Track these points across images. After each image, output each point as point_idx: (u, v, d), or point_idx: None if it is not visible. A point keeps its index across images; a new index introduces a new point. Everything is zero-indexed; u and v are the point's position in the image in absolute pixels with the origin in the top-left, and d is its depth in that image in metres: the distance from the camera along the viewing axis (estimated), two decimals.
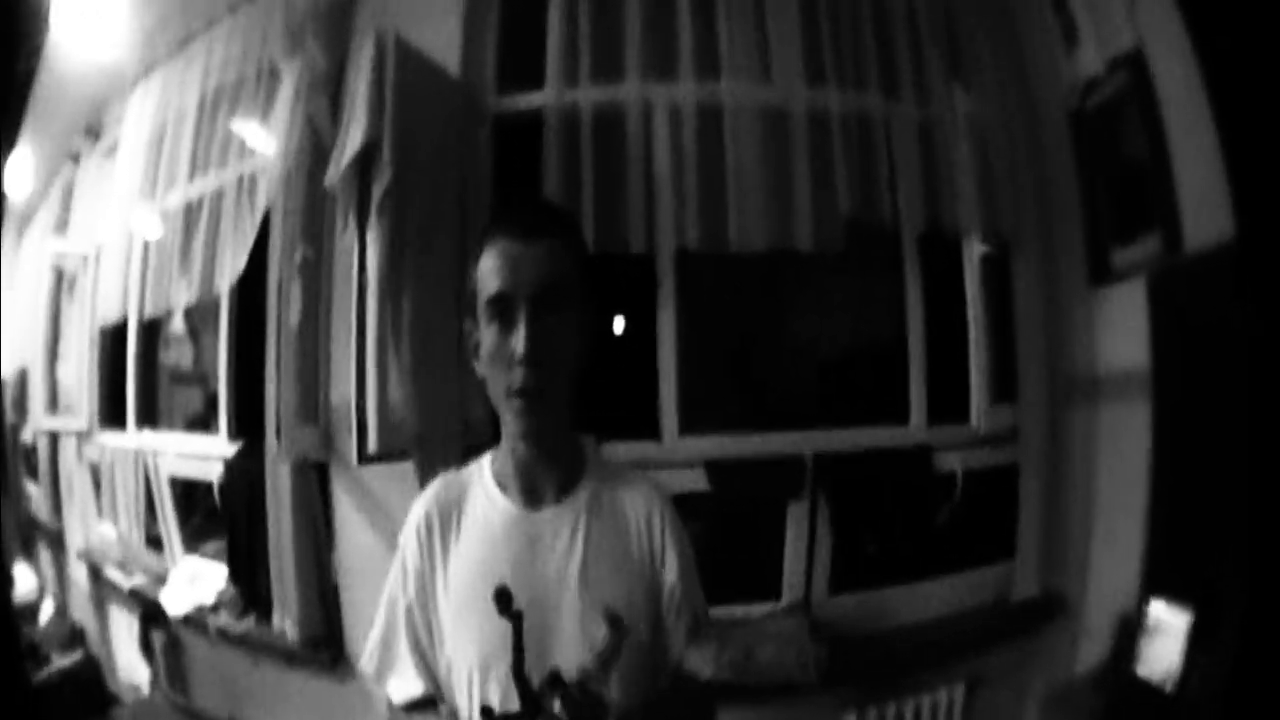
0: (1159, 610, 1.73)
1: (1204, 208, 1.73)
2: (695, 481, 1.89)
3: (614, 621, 0.99)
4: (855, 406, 2.12)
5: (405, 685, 1.10)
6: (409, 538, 1.11)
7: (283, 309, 2.01)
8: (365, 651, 1.12)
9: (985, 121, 2.08)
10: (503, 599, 0.95)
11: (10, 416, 2.49)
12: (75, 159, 2.70)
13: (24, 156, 2.34)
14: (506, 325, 1.02)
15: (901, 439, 2.06)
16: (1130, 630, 1.78)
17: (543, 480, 1.09)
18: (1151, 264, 1.92)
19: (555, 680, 0.94)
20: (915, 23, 2.08)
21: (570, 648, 1.02)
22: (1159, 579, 1.78)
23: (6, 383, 2.46)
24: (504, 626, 0.95)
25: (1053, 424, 2.11)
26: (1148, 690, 1.71)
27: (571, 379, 1.06)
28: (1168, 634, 1.69)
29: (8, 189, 1.87)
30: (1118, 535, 1.94)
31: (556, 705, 0.93)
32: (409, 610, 1.09)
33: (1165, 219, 1.85)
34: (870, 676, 1.96)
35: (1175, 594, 1.70)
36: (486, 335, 1.04)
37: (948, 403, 2.11)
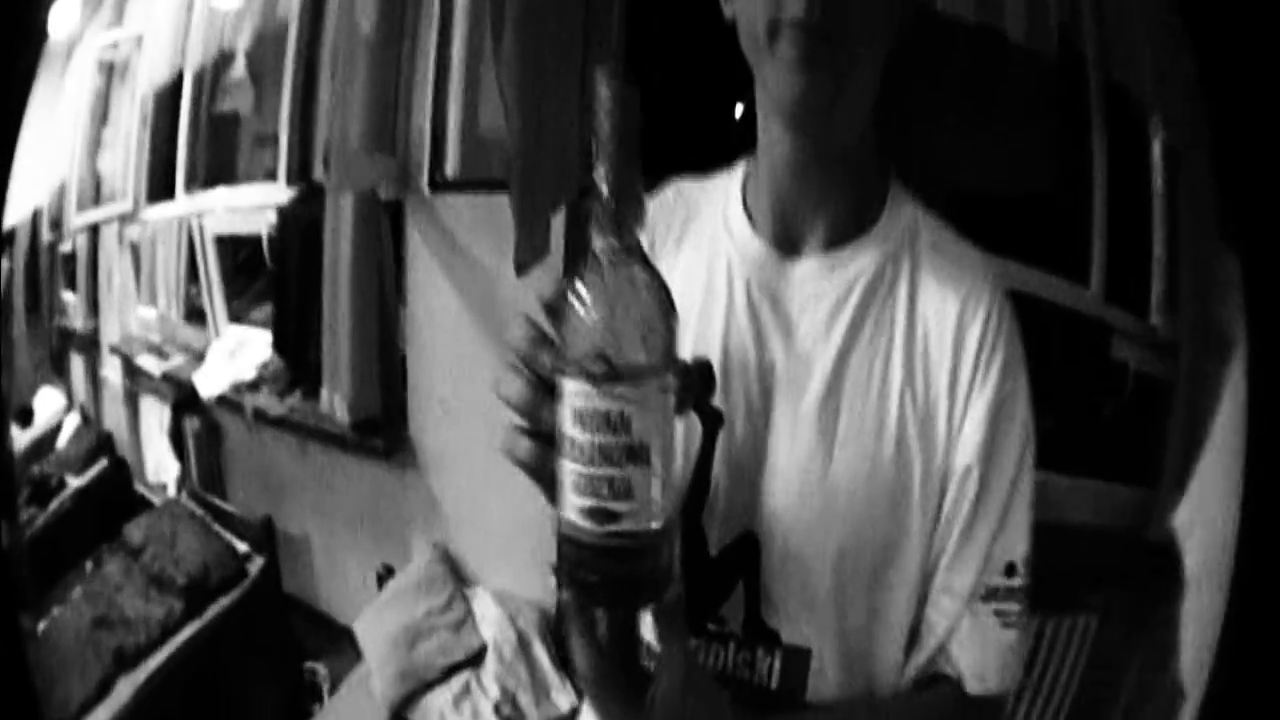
0: None
1: None
2: None
3: None
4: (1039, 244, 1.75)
5: None
6: None
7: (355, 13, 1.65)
8: None
9: None
10: (705, 375, 0.63)
11: (48, 236, 2.26)
12: None
13: None
14: None
15: (1082, 302, 1.70)
16: None
17: (809, 211, 0.67)
18: None
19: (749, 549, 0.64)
20: None
21: (777, 493, 0.64)
22: None
23: (40, 212, 2.19)
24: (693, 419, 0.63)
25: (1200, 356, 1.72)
26: None
27: (876, 57, 0.64)
28: None
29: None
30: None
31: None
32: None
33: None
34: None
35: None
36: None
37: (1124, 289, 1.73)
